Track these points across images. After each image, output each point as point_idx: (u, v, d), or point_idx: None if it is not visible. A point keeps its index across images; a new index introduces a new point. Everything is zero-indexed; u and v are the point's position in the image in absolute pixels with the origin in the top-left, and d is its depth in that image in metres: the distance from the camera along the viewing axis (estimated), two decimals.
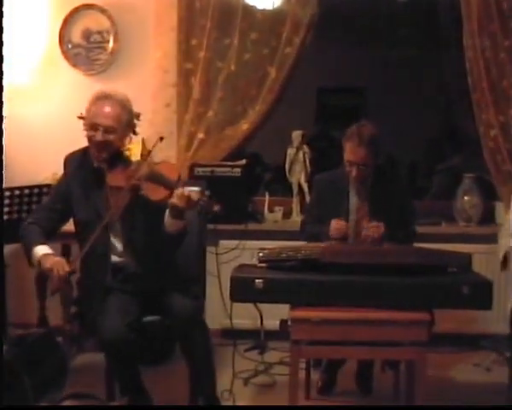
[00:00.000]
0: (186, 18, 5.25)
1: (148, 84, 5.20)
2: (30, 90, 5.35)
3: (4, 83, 5.21)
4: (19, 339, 3.82)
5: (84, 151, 3.87)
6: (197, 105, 5.22)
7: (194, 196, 3.53)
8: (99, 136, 3.68)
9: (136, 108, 4.92)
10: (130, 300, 3.74)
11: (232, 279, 3.70)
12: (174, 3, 5.23)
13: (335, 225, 4.02)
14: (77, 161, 3.85)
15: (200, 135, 5.20)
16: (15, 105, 5.26)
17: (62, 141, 5.28)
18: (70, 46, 5.36)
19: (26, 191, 3.80)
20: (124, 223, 3.76)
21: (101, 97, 3.74)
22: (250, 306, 4.04)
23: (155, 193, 3.64)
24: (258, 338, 4.99)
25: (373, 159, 4.03)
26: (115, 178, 3.72)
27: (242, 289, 3.67)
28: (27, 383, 3.51)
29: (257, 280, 3.64)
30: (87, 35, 5.37)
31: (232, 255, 5.05)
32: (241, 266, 3.93)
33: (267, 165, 6.62)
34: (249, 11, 5.26)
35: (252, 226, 5.25)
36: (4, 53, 5.13)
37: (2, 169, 2.48)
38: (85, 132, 3.76)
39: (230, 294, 3.71)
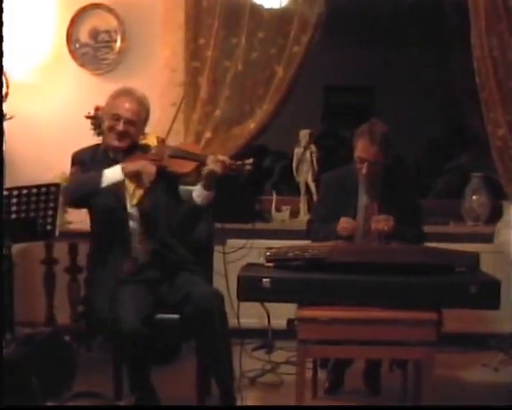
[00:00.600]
0: (193, 17, 5.24)
1: (156, 84, 5.20)
2: (38, 90, 5.36)
3: (12, 81, 5.25)
4: (27, 338, 3.82)
5: (95, 147, 4.05)
6: (204, 104, 5.21)
7: (227, 160, 3.79)
8: (120, 126, 3.87)
9: None
10: (145, 293, 3.80)
11: (239, 278, 3.70)
12: (181, 2, 5.23)
13: (343, 223, 4.01)
14: (89, 156, 4.00)
15: (208, 134, 5.19)
16: (23, 104, 5.27)
17: (69, 140, 5.27)
18: (77, 45, 5.36)
19: (34, 191, 3.79)
20: (143, 206, 3.88)
21: (124, 93, 3.94)
22: (257, 305, 4.04)
23: (183, 166, 3.86)
24: (265, 337, 4.99)
25: (384, 157, 4.02)
26: (132, 164, 3.86)
27: (249, 289, 3.67)
28: (35, 381, 3.51)
29: (264, 279, 3.65)
30: (94, 34, 5.37)
31: (239, 255, 5.04)
32: (249, 266, 3.94)
33: (277, 154, 6.59)
34: (256, 10, 5.25)
35: (259, 226, 5.25)
36: (12, 51, 5.18)
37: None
38: (106, 123, 3.94)
39: (238, 293, 3.71)
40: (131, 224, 3.90)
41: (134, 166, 3.81)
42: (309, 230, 4.27)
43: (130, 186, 3.90)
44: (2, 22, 3.22)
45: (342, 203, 4.10)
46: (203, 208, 3.89)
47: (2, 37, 3.20)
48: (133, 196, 3.88)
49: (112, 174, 3.79)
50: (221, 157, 3.82)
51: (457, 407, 4.00)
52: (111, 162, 3.91)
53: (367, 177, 4.04)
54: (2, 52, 3.16)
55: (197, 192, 3.86)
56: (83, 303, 4.97)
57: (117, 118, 3.88)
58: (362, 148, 4.01)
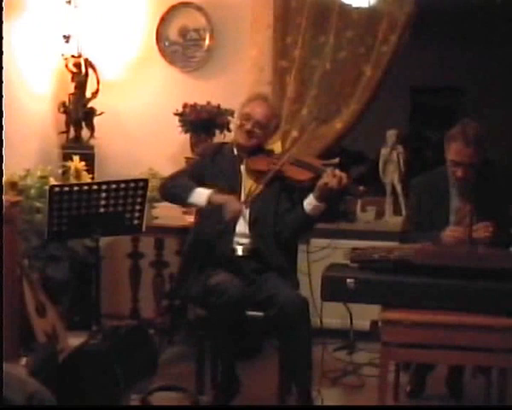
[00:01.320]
0: (282, 16, 5.25)
1: (243, 82, 5.22)
2: (127, 86, 5.45)
3: (103, 79, 5.37)
4: (112, 330, 3.89)
5: (223, 143, 4.27)
6: (291, 103, 5.21)
7: (344, 178, 3.81)
8: (249, 125, 4.02)
9: (230, 106, 5.00)
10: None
11: (323, 278, 3.69)
12: (270, 1, 5.23)
13: (451, 232, 3.90)
14: (214, 150, 4.18)
15: (294, 133, 5.19)
16: (112, 100, 5.37)
17: (158, 137, 5.38)
18: (167, 43, 5.43)
19: (123, 185, 3.87)
20: (255, 204, 3.96)
21: (259, 97, 4.18)
22: (340, 305, 4.03)
23: (300, 174, 3.97)
24: (347, 338, 4.96)
25: (479, 159, 3.92)
26: (257, 163, 4.05)
27: (334, 289, 3.66)
28: (119, 373, 3.57)
29: (348, 280, 3.63)
30: (184, 33, 5.43)
31: (323, 254, 5.02)
32: (333, 266, 3.92)
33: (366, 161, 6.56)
34: (345, 9, 5.22)
35: (343, 226, 5.22)
36: (103, 49, 5.29)
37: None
38: (237, 122, 4.16)
39: (321, 293, 3.70)
40: (240, 218, 3.98)
41: (221, 199, 3.87)
42: (405, 239, 4.10)
43: (247, 182, 4.03)
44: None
45: (434, 208, 4.02)
46: (311, 218, 3.95)
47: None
48: (249, 192, 3.99)
49: (199, 196, 3.89)
50: (339, 172, 3.84)
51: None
52: (234, 158, 4.08)
53: (461, 180, 3.94)
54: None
55: (308, 201, 3.92)
56: (168, 297, 5.05)
57: (247, 118, 4.03)
58: (456, 151, 3.91)
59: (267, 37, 5.24)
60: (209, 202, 3.87)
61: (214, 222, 3.92)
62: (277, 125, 4.23)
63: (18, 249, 4.21)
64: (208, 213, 3.96)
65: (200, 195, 3.89)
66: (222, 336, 3.78)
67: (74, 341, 3.97)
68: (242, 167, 4.07)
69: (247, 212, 3.96)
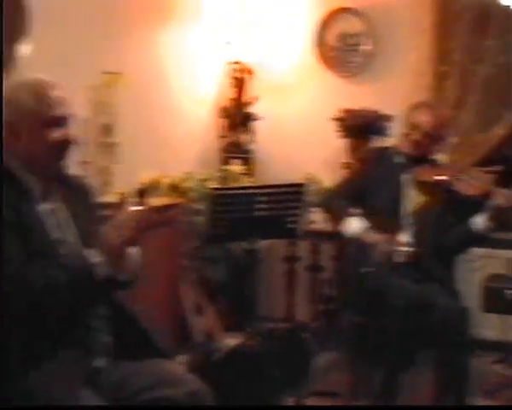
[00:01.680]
0: (441, 20, 5.17)
1: (401, 88, 5.15)
2: (286, 91, 5.50)
3: (263, 84, 5.43)
4: (267, 332, 3.94)
5: (384, 149, 4.22)
6: (451, 109, 5.12)
7: None
8: (417, 135, 3.95)
9: (389, 111, 4.96)
10: None
11: (484, 289, 3.61)
12: (429, 6, 5.16)
13: None
14: (374, 156, 4.18)
15: (454, 139, 5.09)
16: (272, 105, 5.43)
17: (315, 141, 5.40)
18: (326, 48, 5.45)
19: (280, 189, 3.89)
20: (418, 214, 3.94)
21: (425, 105, 4.09)
22: (499, 316, 3.92)
23: (469, 189, 3.82)
24: (505, 351, 4.82)
25: None
26: (423, 174, 3.96)
27: (495, 300, 3.57)
28: (274, 375, 3.61)
29: (508, 291, 3.53)
30: (342, 38, 5.43)
31: (481, 264, 4.89)
32: (493, 276, 3.82)
33: None
34: (506, 12, 5.08)
35: (501, 235, 5.06)
36: (263, 54, 5.36)
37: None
38: (404, 130, 4.04)
39: (482, 304, 3.62)
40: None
41: (372, 240, 3.82)
42: None
43: (410, 192, 3.97)
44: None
45: None
46: (481, 236, 3.85)
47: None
48: (412, 202, 3.95)
49: (351, 228, 3.87)
50: (507, 192, 3.73)
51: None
52: (396, 167, 4.01)
53: None
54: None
55: (478, 220, 3.81)
56: (324, 302, 5.06)
57: (415, 127, 3.96)
58: None
59: (427, 41, 5.18)
60: (360, 239, 3.84)
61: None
62: (445, 135, 4.13)
63: (178, 250, 4.35)
64: None
65: (353, 227, 3.87)
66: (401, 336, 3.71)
67: (230, 341, 4.04)
68: (405, 177, 3.99)
69: (409, 220, 3.92)
